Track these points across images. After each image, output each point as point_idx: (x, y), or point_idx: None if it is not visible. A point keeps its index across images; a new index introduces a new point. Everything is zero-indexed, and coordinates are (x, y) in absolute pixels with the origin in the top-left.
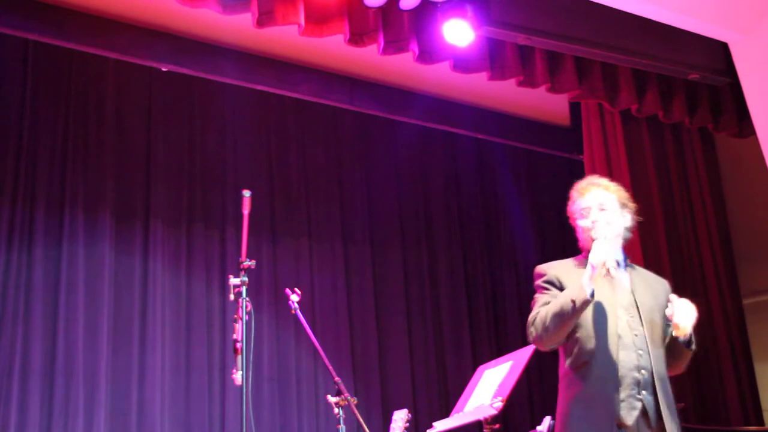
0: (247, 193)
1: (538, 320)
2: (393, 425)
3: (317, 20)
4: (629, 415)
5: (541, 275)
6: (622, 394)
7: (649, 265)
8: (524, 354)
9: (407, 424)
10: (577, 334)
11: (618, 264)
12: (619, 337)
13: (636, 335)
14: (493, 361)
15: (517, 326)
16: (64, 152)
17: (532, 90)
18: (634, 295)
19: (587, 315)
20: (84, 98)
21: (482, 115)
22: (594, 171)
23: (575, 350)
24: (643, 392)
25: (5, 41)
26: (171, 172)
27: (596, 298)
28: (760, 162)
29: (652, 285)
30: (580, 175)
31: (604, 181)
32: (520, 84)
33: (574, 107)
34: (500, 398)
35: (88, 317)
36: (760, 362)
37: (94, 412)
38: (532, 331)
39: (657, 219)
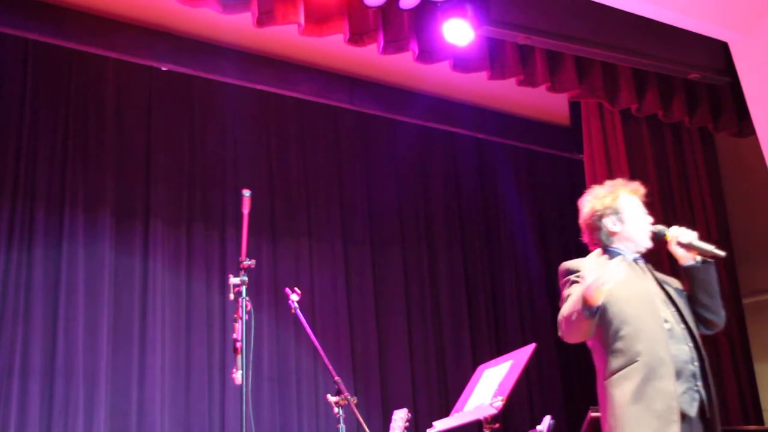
0: (247, 193)
1: (561, 313)
2: (393, 425)
3: (317, 20)
4: (691, 407)
5: (573, 270)
6: (682, 387)
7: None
8: (524, 353)
9: (407, 424)
10: (623, 332)
11: (645, 260)
12: (669, 330)
13: (683, 327)
14: (493, 361)
15: (517, 326)
16: (64, 152)
17: (532, 89)
18: (665, 289)
19: (631, 311)
20: (84, 98)
21: (482, 115)
22: (594, 171)
23: (623, 347)
24: (699, 383)
25: (5, 41)
26: (171, 171)
27: (635, 293)
28: (760, 162)
29: (670, 279)
30: (580, 174)
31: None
32: (520, 83)
33: (574, 107)
34: (500, 398)
35: (88, 317)
36: (760, 362)
37: (94, 412)
38: (560, 329)
39: (657, 219)
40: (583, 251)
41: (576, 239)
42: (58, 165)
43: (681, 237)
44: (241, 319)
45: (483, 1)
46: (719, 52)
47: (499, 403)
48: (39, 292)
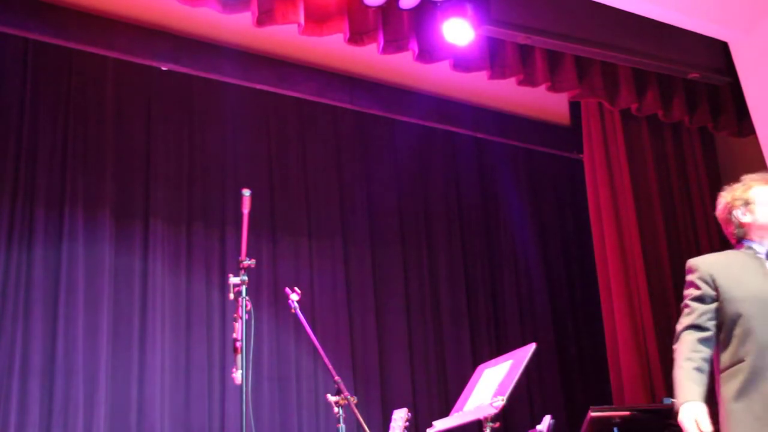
0: (246, 192)
1: (677, 346)
2: (393, 424)
3: (317, 19)
4: None
5: (694, 270)
6: None
7: (648, 265)
8: (524, 353)
9: (407, 424)
10: (735, 331)
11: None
12: None
13: None
14: (493, 360)
15: (517, 326)
16: (64, 152)
17: (532, 89)
18: None
19: (745, 311)
20: (84, 98)
21: (482, 115)
22: (594, 171)
23: (733, 347)
24: None
25: (5, 41)
26: (171, 171)
27: (752, 293)
28: (760, 162)
29: None
30: (580, 174)
31: None
32: (520, 83)
33: (574, 106)
34: (500, 397)
35: (88, 316)
36: None
37: (93, 411)
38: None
39: (657, 218)
40: (582, 251)
41: (576, 239)
42: (58, 165)
43: None
44: (241, 318)
45: (483, 1)
46: (719, 52)
47: (499, 402)
48: (39, 292)
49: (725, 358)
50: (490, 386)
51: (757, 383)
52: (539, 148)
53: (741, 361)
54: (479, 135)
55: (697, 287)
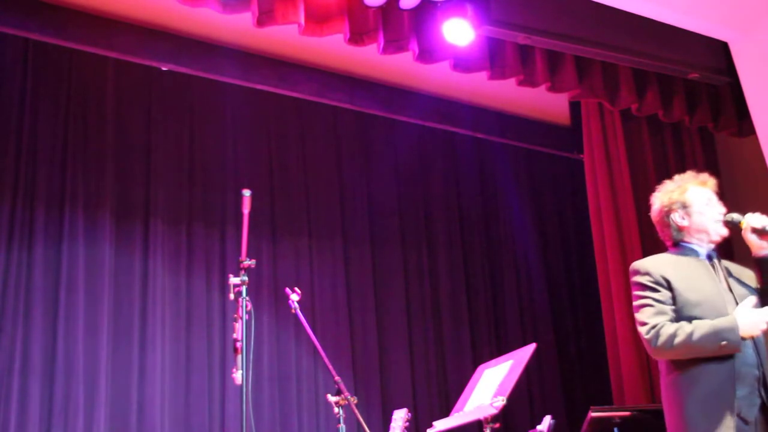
0: (247, 193)
1: (666, 338)
2: (393, 425)
3: (317, 19)
4: (750, 411)
5: (644, 273)
6: (743, 391)
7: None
8: (524, 353)
9: (407, 424)
10: None
11: (717, 257)
12: None
13: None
14: (493, 361)
15: (517, 326)
16: (64, 152)
17: (532, 89)
18: (732, 291)
19: (699, 314)
20: (84, 98)
21: (482, 115)
22: (594, 170)
23: None
24: (762, 388)
25: (5, 41)
26: (171, 171)
27: (705, 297)
28: (760, 162)
29: (743, 278)
30: (580, 174)
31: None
32: (520, 83)
33: (574, 106)
34: (501, 397)
35: (88, 316)
36: None
37: (94, 412)
38: (655, 344)
39: None
40: (582, 251)
41: (576, 239)
42: (58, 165)
43: (754, 222)
44: (241, 318)
45: (483, 1)
46: (719, 52)
47: (499, 402)
48: (39, 292)
49: (682, 361)
50: (490, 386)
51: (713, 386)
52: (539, 148)
53: (699, 364)
54: (479, 135)
55: (654, 290)
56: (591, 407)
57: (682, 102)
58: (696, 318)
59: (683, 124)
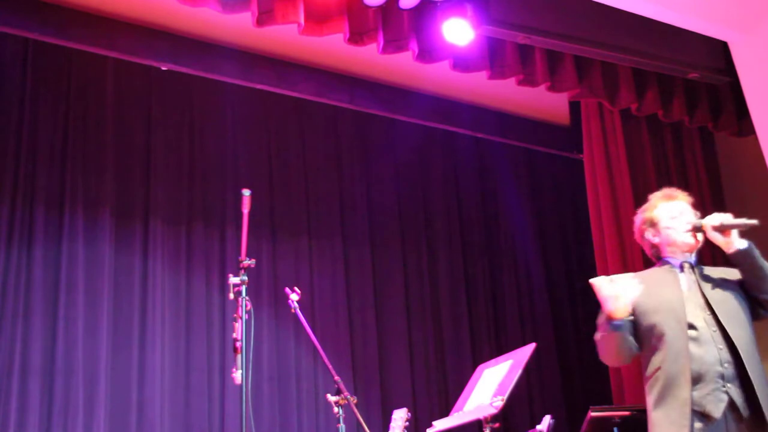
0: (246, 192)
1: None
2: (393, 424)
3: (317, 19)
4: (716, 408)
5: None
6: (706, 390)
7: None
8: (524, 353)
9: (407, 424)
10: (652, 341)
11: (690, 265)
12: (695, 336)
13: (714, 331)
14: (492, 360)
15: (516, 326)
16: (63, 152)
17: (532, 89)
18: (704, 294)
19: (657, 320)
20: (84, 98)
21: (482, 115)
22: (594, 171)
23: (651, 356)
24: (729, 385)
25: (5, 41)
26: (171, 171)
27: (663, 302)
28: (760, 162)
29: (722, 279)
30: (580, 174)
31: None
32: (520, 83)
33: (574, 106)
34: (500, 397)
35: (88, 317)
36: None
37: (93, 412)
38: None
39: None
40: (582, 251)
41: (576, 239)
42: (58, 165)
43: (712, 221)
44: (241, 318)
45: (483, 1)
46: (719, 51)
47: (499, 402)
48: (39, 292)
49: (648, 367)
50: (490, 386)
51: (672, 389)
52: (539, 148)
53: (658, 369)
54: (479, 135)
55: None
56: (591, 407)
57: (682, 102)
58: (657, 324)
59: (683, 124)
